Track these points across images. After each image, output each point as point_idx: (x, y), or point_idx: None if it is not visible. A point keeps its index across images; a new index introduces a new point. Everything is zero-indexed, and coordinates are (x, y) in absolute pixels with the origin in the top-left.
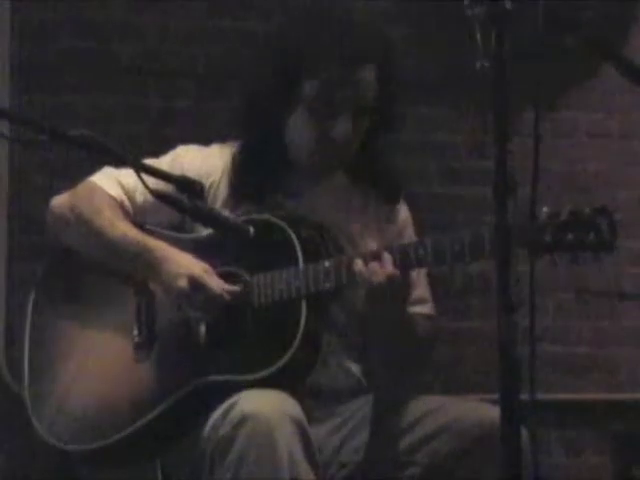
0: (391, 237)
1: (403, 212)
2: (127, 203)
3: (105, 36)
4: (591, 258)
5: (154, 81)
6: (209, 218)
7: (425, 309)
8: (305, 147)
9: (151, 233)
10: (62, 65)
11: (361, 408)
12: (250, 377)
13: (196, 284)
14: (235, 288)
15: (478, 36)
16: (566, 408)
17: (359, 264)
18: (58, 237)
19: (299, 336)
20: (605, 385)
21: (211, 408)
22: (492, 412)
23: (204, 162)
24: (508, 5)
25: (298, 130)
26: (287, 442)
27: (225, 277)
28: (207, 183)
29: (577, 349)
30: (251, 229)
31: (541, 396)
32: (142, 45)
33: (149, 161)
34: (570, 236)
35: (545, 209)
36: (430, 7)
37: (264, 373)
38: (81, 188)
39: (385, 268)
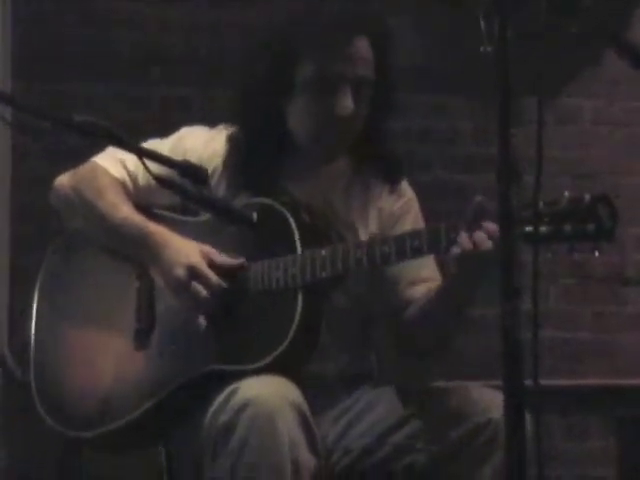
0: (395, 218)
1: (405, 191)
2: (130, 184)
3: (107, 24)
4: (590, 247)
5: (155, 69)
6: (212, 204)
7: None
8: (309, 130)
9: (155, 216)
10: (64, 53)
11: (365, 393)
12: (248, 367)
13: (194, 274)
14: (236, 262)
15: (481, 21)
16: (569, 394)
17: (463, 236)
18: (62, 217)
19: (295, 325)
20: (608, 370)
21: (211, 395)
22: (495, 397)
23: (207, 146)
24: None
25: (300, 114)
26: (288, 427)
27: None
28: (209, 168)
29: (580, 334)
30: (254, 216)
31: (544, 382)
32: (143, 33)
33: (152, 142)
34: (568, 226)
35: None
36: None
37: (260, 363)
38: (84, 169)
39: (491, 232)
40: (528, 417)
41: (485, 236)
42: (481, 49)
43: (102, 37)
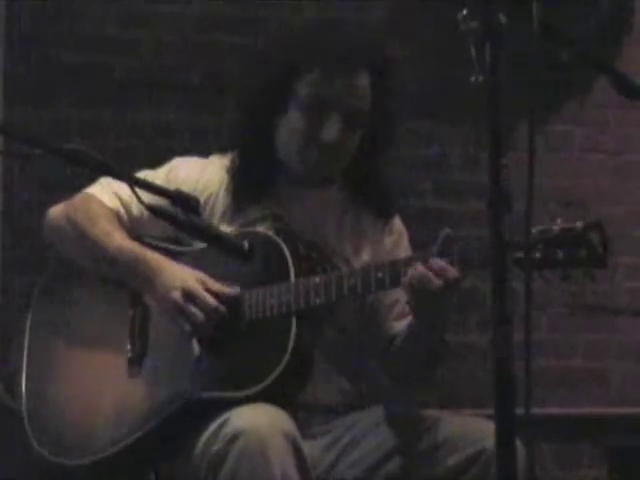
0: (386, 252)
1: (397, 225)
2: (123, 214)
3: (99, 50)
4: (582, 274)
5: (148, 95)
6: (203, 233)
7: None
8: (294, 149)
9: (148, 245)
10: (56, 79)
11: (357, 422)
12: (240, 394)
13: (190, 297)
14: (231, 291)
15: (472, 50)
16: (561, 422)
17: (419, 268)
18: (56, 248)
19: (288, 353)
20: (600, 399)
21: (203, 423)
22: (488, 427)
23: (201, 175)
24: (503, 20)
25: (288, 131)
26: (280, 458)
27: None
28: (204, 196)
29: (571, 363)
30: (245, 244)
31: (536, 410)
32: (136, 59)
33: (145, 173)
34: (560, 253)
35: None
36: (424, 21)
37: (253, 390)
38: (77, 199)
39: (436, 270)
40: (520, 446)
41: (427, 271)
42: (472, 79)
43: (95, 62)
